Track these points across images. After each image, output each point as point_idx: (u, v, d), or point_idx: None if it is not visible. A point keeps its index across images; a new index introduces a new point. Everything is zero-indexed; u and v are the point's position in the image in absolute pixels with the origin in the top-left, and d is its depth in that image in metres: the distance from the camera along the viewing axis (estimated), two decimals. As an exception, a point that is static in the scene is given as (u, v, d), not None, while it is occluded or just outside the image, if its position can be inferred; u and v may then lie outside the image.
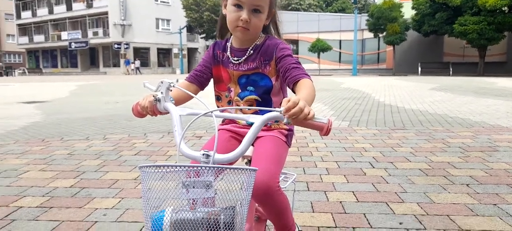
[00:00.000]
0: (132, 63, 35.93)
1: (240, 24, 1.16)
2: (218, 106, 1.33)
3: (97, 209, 2.04)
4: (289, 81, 1.15)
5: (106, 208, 2.05)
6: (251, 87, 1.25)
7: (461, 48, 25.71)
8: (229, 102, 1.30)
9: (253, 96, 1.26)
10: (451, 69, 24.10)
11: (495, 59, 24.79)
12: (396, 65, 26.13)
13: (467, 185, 2.35)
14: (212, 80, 1.33)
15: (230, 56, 1.27)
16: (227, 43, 1.30)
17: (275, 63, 1.22)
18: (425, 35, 24.29)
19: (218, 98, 1.33)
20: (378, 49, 29.34)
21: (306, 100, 0.97)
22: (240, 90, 1.26)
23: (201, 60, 1.33)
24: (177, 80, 1.11)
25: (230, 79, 1.28)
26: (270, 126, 1.27)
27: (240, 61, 1.25)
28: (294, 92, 1.13)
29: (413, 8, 23.78)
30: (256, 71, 1.24)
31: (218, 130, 1.33)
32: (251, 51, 1.24)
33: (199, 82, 1.30)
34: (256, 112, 1.20)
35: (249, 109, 1.25)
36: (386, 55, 28.81)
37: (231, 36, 1.30)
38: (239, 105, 1.27)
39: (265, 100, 1.26)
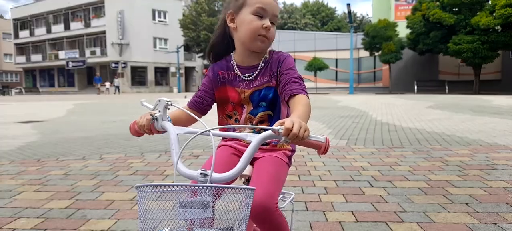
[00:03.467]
0: (108, 82, 33.83)
1: (263, 32, 1.16)
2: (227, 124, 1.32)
3: (92, 230, 2.00)
4: (285, 93, 1.14)
5: (102, 230, 2.01)
6: (264, 103, 1.24)
7: (456, 67, 26.07)
8: (236, 121, 1.27)
9: (266, 112, 1.25)
10: (447, 87, 24.35)
11: (490, 77, 25.12)
12: (392, 83, 26.38)
13: (467, 204, 2.33)
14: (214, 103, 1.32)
15: (240, 74, 1.24)
16: (231, 62, 1.27)
17: (278, 74, 1.22)
18: (420, 54, 24.65)
19: (229, 117, 1.29)
20: (374, 67, 29.68)
21: (300, 117, 0.96)
22: (252, 108, 1.25)
23: (201, 86, 1.31)
24: (186, 97, 1.11)
25: (239, 98, 1.25)
26: (276, 145, 1.26)
27: (252, 77, 1.23)
28: (288, 105, 1.13)
29: (407, 27, 24.21)
30: (267, 85, 1.23)
31: (221, 146, 1.32)
32: (263, 64, 1.23)
33: (199, 109, 1.28)
34: (258, 131, 1.19)
35: (243, 126, 1.24)
36: (382, 73, 29.13)
37: (232, 55, 1.28)
38: (252, 122, 1.25)
39: (277, 114, 1.25)
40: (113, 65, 37.15)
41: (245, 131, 1.25)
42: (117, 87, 33.90)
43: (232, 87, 1.26)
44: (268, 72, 1.23)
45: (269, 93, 1.23)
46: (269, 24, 1.17)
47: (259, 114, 1.25)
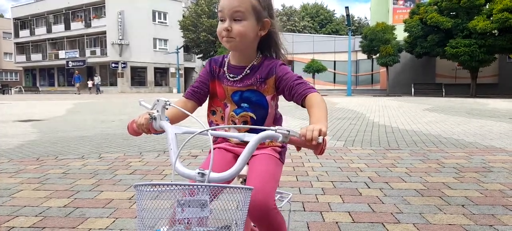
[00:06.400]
0: (90, 81, 31.87)
1: (224, 34, 1.18)
2: (211, 121, 1.34)
3: (91, 229, 2.01)
4: (296, 98, 1.17)
5: (100, 228, 2.02)
6: (245, 104, 1.26)
7: (453, 70, 26.13)
8: (222, 118, 1.30)
9: (249, 113, 1.26)
10: (443, 90, 24.41)
11: (487, 81, 25.19)
12: (390, 86, 26.42)
13: (463, 205, 2.35)
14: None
15: (226, 72, 1.28)
16: (225, 59, 1.31)
17: (274, 82, 1.23)
18: (417, 57, 24.70)
19: (213, 113, 1.33)
20: (372, 70, 29.73)
21: (319, 121, 1.01)
22: (236, 107, 1.27)
23: (198, 77, 1.34)
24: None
25: (224, 95, 1.28)
26: (264, 142, 1.27)
27: (236, 79, 1.26)
28: (304, 107, 1.15)
29: (405, 30, 24.26)
30: (250, 88, 1.25)
31: (217, 146, 1.34)
32: (248, 71, 1.25)
33: (196, 99, 1.30)
34: (250, 130, 1.21)
35: (244, 127, 1.26)
36: (379, 76, 29.17)
37: (229, 53, 1.31)
38: (234, 121, 1.27)
39: (259, 118, 1.27)
40: (113, 65, 37.10)
41: (233, 130, 1.27)
42: (98, 86, 32.13)
43: (220, 82, 1.29)
44: (254, 77, 1.24)
45: (252, 96, 1.25)
46: (227, 25, 1.16)
47: (241, 114, 1.27)
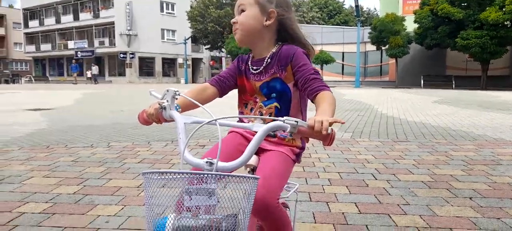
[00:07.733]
0: (89, 71, 31.25)
1: (233, 27, 1.27)
2: (241, 112, 1.36)
3: (99, 216, 2.05)
4: (308, 93, 1.17)
5: (108, 215, 2.06)
6: (274, 94, 1.28)
7: (463, 62, 25.68)
8: (251, 110, 1.33)
9: (274, 103, 1.28)
10: (453, 82, 24.04)
11: (498, 73, 24.71)
12: (399, 77, 26.11)
13: (470, 198, 2.34)
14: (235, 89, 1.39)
15: (249, 65, 1.32)
16: (250, 55, 1.36)
17: (291, 69, 1.24)
18: (427, 49, 24.30)
19: (245, 105, 1.36)
20: (381, 61, 29.39)
21: (325, 113, 1.01)
22: (265, 99, 1.30)
23: (226, 69, 1.38)
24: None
25: (253, 90, 1.32)
26: (284, 138, 1.28)
27: (259, 70, 1.29)
28: (313, 103, 1.15)
29: (415, 21, 23.84)
30: (274, 76, 1.27)
31: (230, 132, 1.36)
32: (269, 60, 1.28)
33: (220, 87, 1.33)
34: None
35: (252, 117, 1.26)
36: (388, 67, 28.83)
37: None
38: (262, 112, 1.30)
39: (284, 107, 1.28)
40: (122, 55, 37.29)
41: (255, 121, 1.27)
42: (95, 75, 31.47)
43: (246, 78, 1.33)
44: (276, 64, 1.27)
45: (277, 84, 1.27)
46: (235, 19, 1.28)
47: (268, 106, 1.29)
